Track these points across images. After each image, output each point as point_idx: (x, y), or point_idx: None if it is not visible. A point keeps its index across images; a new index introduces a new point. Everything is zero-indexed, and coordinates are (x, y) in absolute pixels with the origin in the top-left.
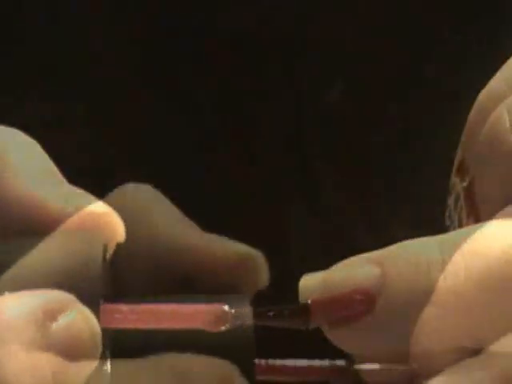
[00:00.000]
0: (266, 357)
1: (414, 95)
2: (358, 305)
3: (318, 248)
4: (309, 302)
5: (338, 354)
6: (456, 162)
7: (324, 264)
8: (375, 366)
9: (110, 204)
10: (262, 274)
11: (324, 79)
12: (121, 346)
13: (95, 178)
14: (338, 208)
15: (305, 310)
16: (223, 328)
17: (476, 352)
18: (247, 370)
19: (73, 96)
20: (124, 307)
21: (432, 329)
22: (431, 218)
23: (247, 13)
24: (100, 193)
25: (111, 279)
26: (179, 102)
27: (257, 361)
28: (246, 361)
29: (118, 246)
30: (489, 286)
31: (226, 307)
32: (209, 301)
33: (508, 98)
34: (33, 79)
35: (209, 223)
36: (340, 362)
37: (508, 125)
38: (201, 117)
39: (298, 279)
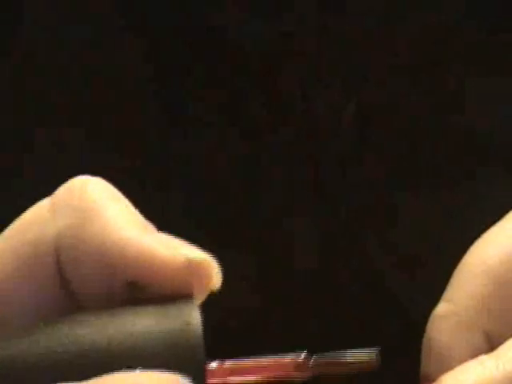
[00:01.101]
0: (222, 359)
1: (414, 95)
2: None
3: (320, 249)
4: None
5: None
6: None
7: (324, 264)
8: (336, 355)
9: (57, 199)
10: (213, 278)
11: (336, 93)
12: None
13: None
14: (343, 211)
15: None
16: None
17: (489, 351)
18: (199, 377)
19: (73, 97)
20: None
21: (445, 326)
22: (435, 228)
23: (251, 25)
24: None
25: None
26: (187, 111)
27: (214, 364)
28: (197, 367)
29: (68, 245)
30: (502, 280)
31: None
32: (160, 310)
33: None
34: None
35: (210, 226)
36: (298, 356)
37: None
38: (204, 121)
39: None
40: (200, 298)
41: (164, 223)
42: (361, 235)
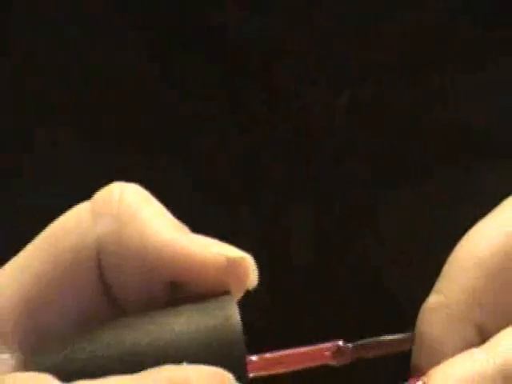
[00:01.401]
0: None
1: (409, 91)
2: None
3: (320, 247)
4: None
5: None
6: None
7: (321, 261)
8: (373, 340)
9: (96, 205)
10: (251, 275)
11: (329, 87)
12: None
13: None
14: (340, 209)
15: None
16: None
17: (480, 344)
18: (240, 371)
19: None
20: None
21: (436, 319)
22: (435, 218)
23: (254, 23)
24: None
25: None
26: (186, 110)
27: (253, 357)
28: (238, 361)
29: (109, 251)
30: (494, 273)
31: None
32: (199, 308)
33: None
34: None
35: (212, 223)
36: (336, 343)
37: None
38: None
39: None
40: (237, 295)
41: None
42: (357, 232)
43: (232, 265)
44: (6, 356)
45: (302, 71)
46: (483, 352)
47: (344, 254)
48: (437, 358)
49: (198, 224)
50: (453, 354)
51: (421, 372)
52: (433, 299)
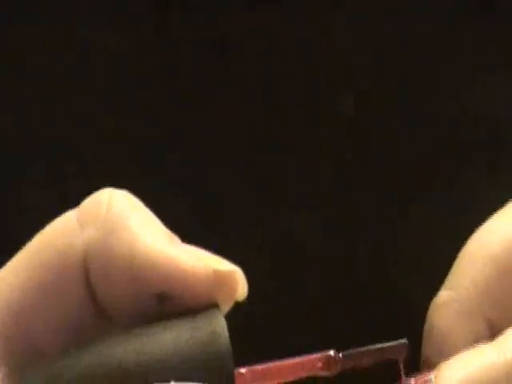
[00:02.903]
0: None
1: (418, 96)
2: None
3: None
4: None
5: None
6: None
7: (326, 263)
8: (363, 348)
9: (84, 212)
10: (240, 289)
11: (335, 90)
12: None
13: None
14: (342, 209)
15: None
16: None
17: (490, 338)
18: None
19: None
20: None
21: (447, 312)
22: (439, 221)
23: (259, 28)
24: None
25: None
26: (194, 111)
27: (242, 370)
28: (226, 375)
29: (97, 257)
30: (505, 267)
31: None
32: (187, 321)
33: None
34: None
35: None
36: (326, 353)
37: None
38: (213, 124)
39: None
40: (226, 307)
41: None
42: (364, 234)
43: (219, 278)
44: None
45: (303, 72)
46: (493, 347)
47: (350, 256)
48: (447, 353)
49: (202, 225)
50: (463, 349)
51: (430, 366)
52: (444, 294)
